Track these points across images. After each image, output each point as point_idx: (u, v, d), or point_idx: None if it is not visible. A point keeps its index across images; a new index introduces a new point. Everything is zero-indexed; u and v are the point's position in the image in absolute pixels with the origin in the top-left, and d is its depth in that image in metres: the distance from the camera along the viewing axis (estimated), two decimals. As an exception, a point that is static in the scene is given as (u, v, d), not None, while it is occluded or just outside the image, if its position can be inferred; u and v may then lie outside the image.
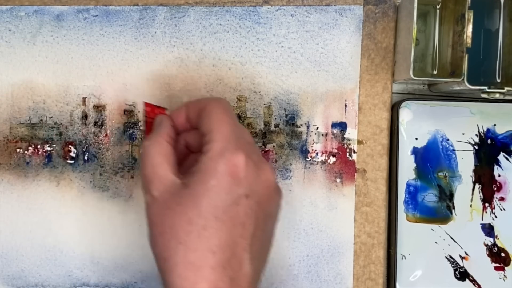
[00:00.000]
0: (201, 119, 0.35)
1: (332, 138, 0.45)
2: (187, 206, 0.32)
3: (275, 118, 0.45)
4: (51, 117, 0.46)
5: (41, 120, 0.46)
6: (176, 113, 0.38)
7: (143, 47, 0.46)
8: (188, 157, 0.38)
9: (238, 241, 0.32)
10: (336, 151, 0.45)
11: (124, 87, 0.46)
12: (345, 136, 0.45)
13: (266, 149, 0.45)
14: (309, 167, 0.45)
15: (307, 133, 0.45)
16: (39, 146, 0.46)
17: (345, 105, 0.44)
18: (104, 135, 0.46)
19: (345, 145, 0.44)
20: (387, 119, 0.44)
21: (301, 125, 0.45)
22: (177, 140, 0.38)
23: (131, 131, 0.46)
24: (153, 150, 0.35)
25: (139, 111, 0.46)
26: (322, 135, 0.45)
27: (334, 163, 0.45)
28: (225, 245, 0.32)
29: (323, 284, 0.45)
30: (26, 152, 0.46)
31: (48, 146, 0.46)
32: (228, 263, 0.32)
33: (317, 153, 0.45)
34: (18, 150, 0.46)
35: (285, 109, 0.45)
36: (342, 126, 0.45)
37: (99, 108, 0.46)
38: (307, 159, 0.45)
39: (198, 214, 0.32)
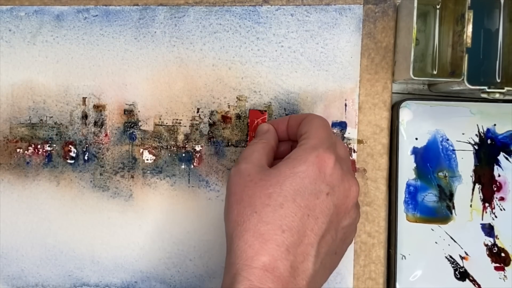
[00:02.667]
0: (301, 126, 0.38)
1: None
2: (271, 182, 0.34)
3: (275, 118, 0.45)
4: (51, 117, 0.46)
5: (41, 120, 0.46)
6: (280, 121, 0.41)
7: (143, 47, 0.46)
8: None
9: (308, 233, 0.33)
10: (336, 150, 0.45)
11: (124, 87, 0.46)
12: (345, 135, 0.44)
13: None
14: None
15: (307, 132, 0.45)
16: (39, 146, 0.46)
17: (345, 105, 0.44)
18: (104, 135, 0.46)
19: (345, 144, 0.44)
20: (387, 118, 0.44)
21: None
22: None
23: (131, 131, 0.46)
24: (260, 145, 0.38)
25: (139, 111, 0.46)
26: (322, 134, 0.45)
27: (334, 162, 0.45)
28: (295, 229, 0.33)
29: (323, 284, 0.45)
30: (26, 152, 0.46)
31: (48, 146, 0.46)
32: (293, 248, 0.32)
33: (317, 153, 0.45)
34: (18, 150, 0.47)
35: (285, 109, 0.45)
36: (342, 125, 0.45)
37: (99, 108, 0.46)
38: (307, 159, 0.45)
39: (279, 192, 0.33)
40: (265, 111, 0.45)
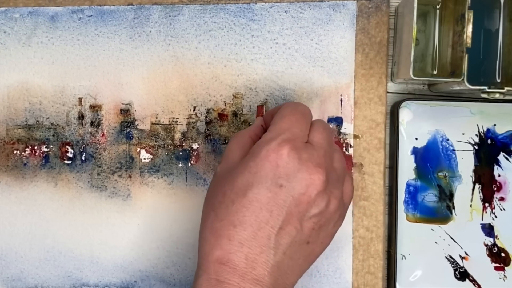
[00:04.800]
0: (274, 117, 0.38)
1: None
2: (227, 180, 0.35)
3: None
4: (48, 118, 0.46)
5: (38, 121, 0.46)
6: (267, 113, 0.41)
7: (138, 46, 0.46)
8: None
9: (262, 226, 0.34)
10: (332, 146, 0.45)
11: (120, 87, 0.46)
12: (341, 130, 0.45)
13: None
14: None
15: (303, 128, 0.45)
16: (36, 147, 0.46)
17: (341, 100, 0.45)
18: (101, 135, 0.46)
19: (341, 139, 0.45)
20: (383, 113, 0.44)
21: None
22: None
23: (127, 130, 0.46)
24: (234, 140, 0.39)
25: (135, 110, 0.46)
26: (319, 130, 0.45)
27: (331, 158, 0.45)
28: (247, 223, 0.34)
29: (322, 278, 0.45)
30: (23, 153, 0.46)
31: (45, 147, 0.46)
32: (247, 241, 0.34)
33: (314, 148, 0.45)
34: (15, 151, 0.46)
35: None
36: (338, 121, 0.45)
37: (95, 108, 0.46)
38: (304, 155, 0.45)
39: (231, 189, 0.34)
40: (262, 104, 0.45)
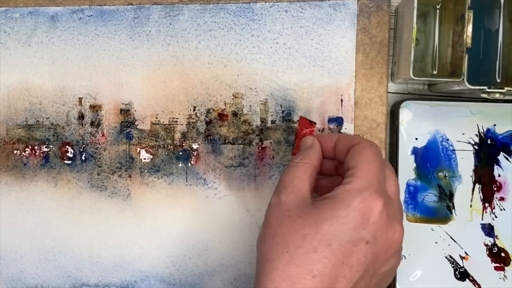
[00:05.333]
0: (350, 154, 0.36)
1: (328, 133, 0.45)
2: (308, 223, 0.33)
3: (272, 115, 0.45)
4: (48, 118, 0.46)
5: (38, 121, 0.46)
6: (327, 139, 0.39)
7: (138, 46, 0.46)
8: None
9: (340, 280, 0.32)
10: (333, 146, 0.45)
11: (120, 87, 0.46)
12: (341, 131, 0.44)
13: (263, 146, 0.45)
14: None
15: (303, 128, 0.45)
16: (36, 147, 0.46)
17: (341, 100, 0.44)
18: (101, 135, 0.46)
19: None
20: (383, 113, 0.44)
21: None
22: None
23: (127, 130, 0.46)
24: (301, 167, 0.36)
25: (135, 110, 0.46)
26: (319, 130, 0.45)
27: (331, 158, 0.45)
28: (326, 275, 0.32)
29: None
30: (23, 153, 0.46)
31: (45, 147, 0.46)
32: None
33: (314, 149, 0.45)
34: (15, 151, 0.47)
35: (281, 105, 0.45)
36: (338, 121, 0.45)
37: (95, 108, 0.46)
38: (304, 155, 0.45)
39: (315, 234, 0.32)
40: (315, 123, 0.44)
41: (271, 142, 0.45)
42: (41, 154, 0.46)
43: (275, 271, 0.32)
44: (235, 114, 0.45)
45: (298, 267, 0.32)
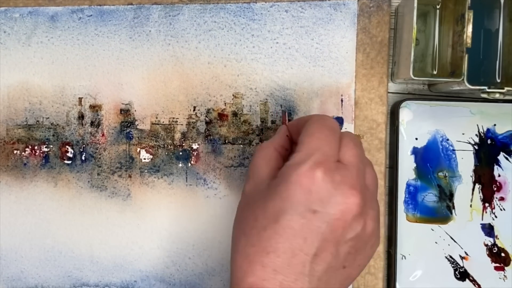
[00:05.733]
0: (301, 132, 0.36)
1: (328, 133, 0.44)
2: (258, 205, 0.34)
3: (272, 115, 0.45)
4: (48, 118, 0.46)
5: (38, 121, 0.46)
6: (291, 123, 0.39)
7: (138, 46, 0.46)
8: None
9: (297, 253, 0.32)
10: (333, 146, 0.45)
11: (120, 87, 0.46)
12: (341, 131, 0.44)
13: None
14: None
15: (303, 128, 0.45)
16: (36, 147, 0.46)
17: (341, 100, 0.44)
18: (101, 135, 0.46)
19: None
20: (384, 113, 0.44)
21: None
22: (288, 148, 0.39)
23: (128, 130, 0.46)
24: (258, 154, 0.37)
25: (135, 110, 0.46)
26: (319, 130, 0.45)
27: (331, 158, 0.45)
28: (280, 250, 0.32)
29: (322, 279, 0.45)
30: (23, 153, 0.46)
31: (45, 147, 0.46)
32: (281, 269, 0.32)
33: (314, 149, 0.45)
34: (15, 151, 0.47)
35: (281, 105, 0.45)
36: (338, 121, 0.44)
37: (95, 108, 0.46)
38: (304, 155, 0.45)
39: (263, 214, 0.33)
40: (286, 111, 0.44)
41: (271, 142, 0.45)
42: (41, 154, 0.46)
43: (237, 253, 0.34)
44: (235, 114, 0.45)
45: (253, 246, 0.33)
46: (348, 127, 0.44)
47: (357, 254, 0.35)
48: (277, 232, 0.33)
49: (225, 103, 0.45)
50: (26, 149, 0.46)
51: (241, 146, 0.45)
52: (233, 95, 0.45)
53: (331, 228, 0.33)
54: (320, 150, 0.34)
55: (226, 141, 0.45)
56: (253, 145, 0.45)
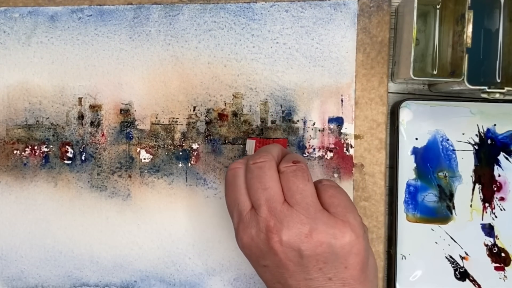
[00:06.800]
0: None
1: (329, 133, 0.44)
2: None
3: (272, 115, 0.45)
4: (48, 118, 0.46)
5: (38, 121, 0.46)
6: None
7: (138, 46, 0.46)
8: None
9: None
10: (333, 146, 0.45)
11: (119, 87, 0.46)
12: (342, 131, 0.44)
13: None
14: (307, 163, 0.45)
15: (304, 128, 0.45)
16: (36, 147, 0.46)
17: (341, 100, 0.44)
18: (100, 135, 0.46)
19: (342, 140, 0.44)
20: (384, 113, 0.44)
21: (298, 121, 0.45)
22: None
23: (127, 130, 0.46)
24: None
25: (135, 110, 0.46)
26: (319, 130, 0.45)
27: (331, 158, 0.45)
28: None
29: (322, 279, 0.45)
30: (23, 153, 0.46)
31: (45, 147, 0.46)
32: None
33: (314, 149, 0.45)
34: (15, 151, 0.46)
35: (281, 105, 0.45)
36: (338, 121, 0.44)
37: (95, 108, 0.46)
38: (305, 155, 0.45)
39: None
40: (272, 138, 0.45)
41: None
42: (41, 154, 0.46)
43: None
44: (235, 114, 0.45)
45: None
46: (348, 127, 0.44)
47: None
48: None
49: (225, 103, 0.45)
50: (26, 149, 0.46)
51: (241, 146, 0.45)
52: (233, 95, 0.45)
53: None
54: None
55: (226, 141, 0.45)
56: (253, 145, 0.45)
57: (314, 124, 0.45)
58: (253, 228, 0.36)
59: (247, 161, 0.37)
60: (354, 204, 0.38)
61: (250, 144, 0.43)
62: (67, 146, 0.46)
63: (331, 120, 0.44)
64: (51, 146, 0.46)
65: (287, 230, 0.34)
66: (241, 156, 0.45)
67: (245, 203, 0.36)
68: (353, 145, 0.44)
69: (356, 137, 0.44)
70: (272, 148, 0.38)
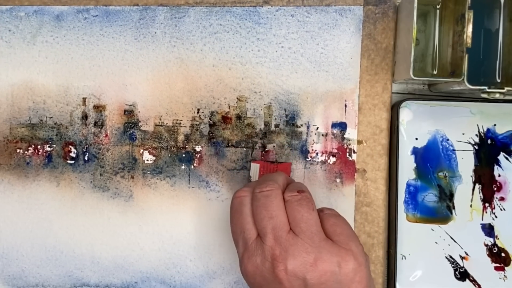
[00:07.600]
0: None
1: (332, 138, 0.45)
2: None
3: (275, 118, 0.45)
4: (51, 117, 0.46)
5: (41, 120, 0.46)
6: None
7: (143, 47, 0.46)
8: None
9: None
10: (336, 151, 0.45)
11: (124, 87, 0.46)
12: (345, 136, 0.45)
13: (266, 150, 0.45)
14: (309, 167, 0.45)
15: (307, 133, 0.45)
16: (39, 147, 0.46)
17: (345, 105, 0.45)
18: (104, 135, 0.46)
19: (345, 145, 0.45)
20: (387, 119, 0.44)
21: (301, 125, 0.45)
22: None
23: (131, 131, 0.46)
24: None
25: (139, 111, 0.46)
26: (322, 135, 0.45)
27: (334, 163, 0.45)
28: None
29: (323, 284, 0.45)
30: (26, 152, 0.46)
31: (48, 147, 0.46)
32: None
33: (317, 153, 0.45)
34: (18, 150, 0.46)
35: (285, 109, 0.45)
36: (342, 126, 0.45)
37: (99, 108, 0.46)
38: (307, 159, 0.45)
39: None
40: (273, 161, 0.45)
41: (274, 146, 0.45)
42: (44, 154, 0.46)
43: None
44: (238, 117, 0.45)
45: None
46: (351, 132, 0.44)
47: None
48: None
49: (229, 106, 0.45)
50: (29, 148, 0.46)
51: (244, 149, 0.45)
52: (237, 98, 0.45)
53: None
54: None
55: (229, 144, 0.45)
56: (256, 149, 0.45)
57: (317, 128, 0.45)
58: (259, 257, 0.36)
59: (253, 189, 0.38)
60: (355, 233, 0.39)
61: (254, 168, 0.44)
62: (70, 146, 0.46)
63: (334, 125, 0.45)
64: (54, 145, 0.46)
65: (292, 259, 0.35)
66: (244, 160, 0.45)
67: (251, 231, 0.37)
68: (355, 151, 0.45)
69: (359, 142, 0.45)
70: (278, 177, 0.39)
